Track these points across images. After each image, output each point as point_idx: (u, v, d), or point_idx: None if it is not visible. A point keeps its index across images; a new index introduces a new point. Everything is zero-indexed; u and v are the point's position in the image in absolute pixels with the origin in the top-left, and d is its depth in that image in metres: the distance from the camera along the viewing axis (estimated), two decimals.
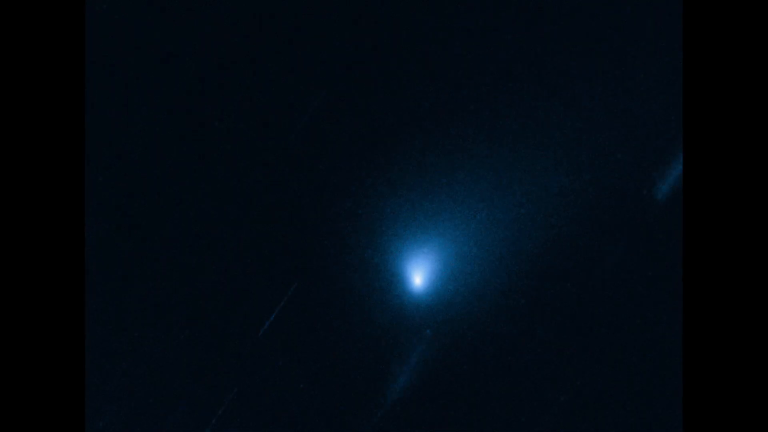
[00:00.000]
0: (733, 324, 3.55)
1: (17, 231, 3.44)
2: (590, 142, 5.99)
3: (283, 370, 5.87)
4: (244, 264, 5.95)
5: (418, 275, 5.94)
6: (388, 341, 5.95)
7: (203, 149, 5.84)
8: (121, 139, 5.98)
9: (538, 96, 5.95)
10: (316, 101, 5.90)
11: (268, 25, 5.97)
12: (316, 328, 5.97)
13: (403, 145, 5.94)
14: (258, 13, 5.98)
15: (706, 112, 3.62)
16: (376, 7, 5.90)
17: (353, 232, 5.97)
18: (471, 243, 5.97)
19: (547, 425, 5.80)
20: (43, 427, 3.38)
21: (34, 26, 3.63)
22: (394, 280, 5.95)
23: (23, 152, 3.52)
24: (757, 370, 3.49)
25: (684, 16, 3.75)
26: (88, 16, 5.56)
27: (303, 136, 5.92)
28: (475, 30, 5.89)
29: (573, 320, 5.94)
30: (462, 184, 5.98)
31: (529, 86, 5.96)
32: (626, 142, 5.98)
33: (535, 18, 5.88)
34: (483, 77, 5.96)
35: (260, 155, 5.89)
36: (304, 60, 5.91)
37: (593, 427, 5.80)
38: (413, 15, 5.90)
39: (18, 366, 3.40)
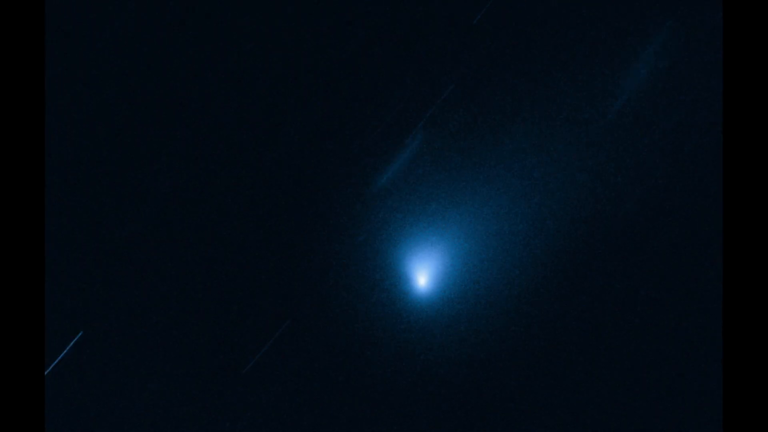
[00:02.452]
0: None
1: None
2: (613, 133, 5.83)
3: (279, 375, 5.82)
4: (239, 265, 5.86)
5: (423, 275, 5.82)
6: (389, 347, 5.82)
7: (196, 146, 5.83)
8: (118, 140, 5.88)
9: (553, 83, 5.83)
10: (314, 93, 5.85)
11: (264, 16, 5.87)
12: (313, 332, 5.85)
13: (405, 134, 5.84)
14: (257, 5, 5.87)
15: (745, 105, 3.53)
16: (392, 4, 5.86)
17: (350, 228, 5.85)
18: (481, 239, 5.83)
19: None
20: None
21: None
22: (396, 281, 5.84)
23: None
24: None
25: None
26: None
27: (300, 129, 5.86)
28: (490, 22, 5.84)
29: (593, 324, 5.79)
30: (471, 175, 5.85)
31: (543, 71, 5.85)
32: (652, 132, 5.82)
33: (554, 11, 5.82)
34: (493, 65, 5.85)
35: (256, 150, 5.86)
36: (303, 52, 5.85)
37: None
38: (433, 7, 5.84)
39: None
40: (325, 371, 5.79)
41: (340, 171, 5.85)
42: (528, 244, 5.80)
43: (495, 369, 5.77)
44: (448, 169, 5.81)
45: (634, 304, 5.74)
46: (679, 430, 5.66)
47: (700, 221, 5.77)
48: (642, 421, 5.69)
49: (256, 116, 5.84)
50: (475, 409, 5.76)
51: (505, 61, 5.80)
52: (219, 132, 5.83)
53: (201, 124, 5.82)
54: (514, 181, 5.80)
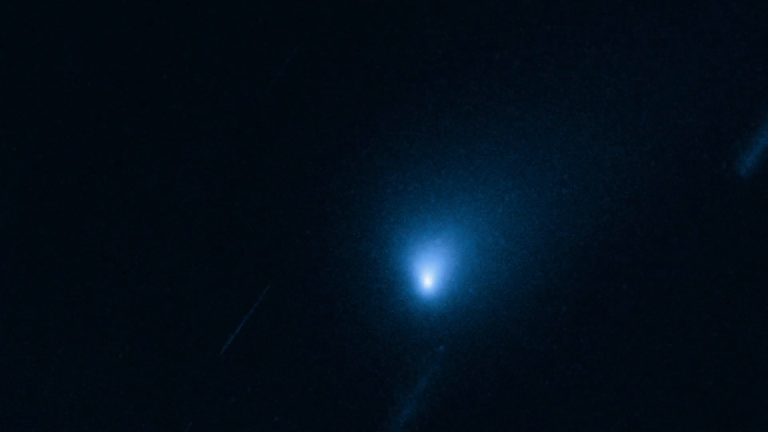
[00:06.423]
0: None
1: None
2: (652, 100, 5.65)
3: (252, 398, 5.71)
4: (204, 260, 5.77)
5: (428, 275, 5.73)
6: (389, 360, 5.73)
7: (163, 122, 5.82)
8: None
9: (573, 58, 5.72)
10: (302, 76, 5.79)
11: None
12: (296, 344, 5.74)
13: (407, 104, 5.73)
14: None
15: None
16: None
17: (343, 218, 5.76)
18: (496, 232, 5.70)
19: None
20: None
21: None
22: (397, 281, 5.75)
23: None
24: None
25: None
26: None
27: (279, 92, 5.81)
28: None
29: (619, 330, 5.62)
30: (485, 155, 5.71)
31: (562, 47, 5.74)
32: (700, 101, 5.62)
33: None
34: (505, 37, 5.74)
35: (239, 141, 5.80)
36: (290, 37, 5.79)
37: None
38: None
39: None
40: (321, 380, 5.71)
41: (333, 158, 5.76)
42: (548, 241, 5.65)
43: (508, 378, 5.66)
44: (456, 155, 5.71)
45: (664, 309, 5.59)
46: None
47: (741, 222, 5.54)
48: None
49: (239, 103, 5.78)
50: (485, 422, 5.66)
51: (520, 34, 5.69)
52: (198, 121, 5.80)
53: (183, 116, 5.81)
54: (534, 169, 5.66)
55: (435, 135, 5.73)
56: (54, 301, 5.76)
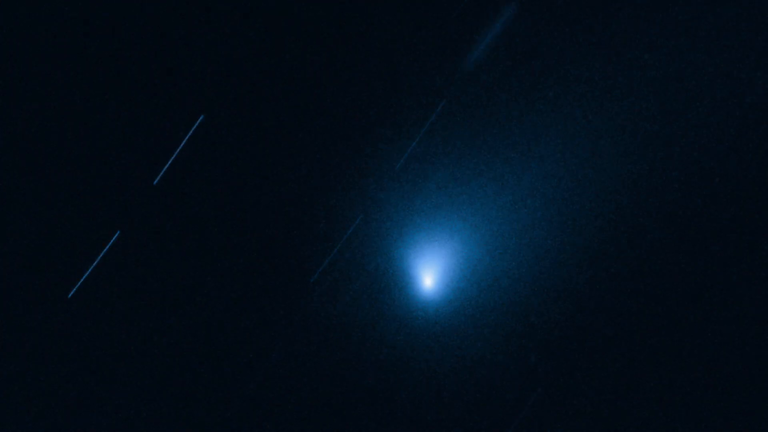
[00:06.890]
0: None
1: None
2: (653, 101, 5.65)
3: (264, 388, 5.73)
4: (216, 263, 5.75)
5: (429, 275, 5.74)
6: (390, 356, 5.72)
7: (183, 134, 5.75)
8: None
9: (578, 59, 5.69)
10: (306, 69, 5.74)
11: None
12: (302, 339, 5.75)
13: (409, 121, 5.70)
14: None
15: None
16: None
17: (345, 222, 5.73)
18: (495, 235, 5.70)
19: None
20: None
21: None
22: (399, 282, 5.75)
23: None
24: None
25: None
26: None
27: (291, 112, 5.76)
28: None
29: (619, 330, 5.64)
30: (485, 161, 5.69)
31: (567, 48, 5.71)
32: (700, 102, 5.63)
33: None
34: (512, 42, 5.73)
35: (238, 132, 5.76)
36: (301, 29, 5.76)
37: None
38: None
39: None
40: (318, 382, 5.73)
41: (333, 156, 5.72)
42: (549, 240, 5.66)
43: (508, 380, 5.68)
44: (458, 153, 5.68)
45: (665, 310, 5.61)
46: None
47: (748, 218, 5.58)
48: None
49: (235, 96, 5.75)
50: (485, 422, 5.69)
51: (526, 38, 5.69)
52: (196, 117, 5.76)
53: (184, 115, 5.76)
54: (534, 168, 5.65)
55: (434, 148, 5.69)
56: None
